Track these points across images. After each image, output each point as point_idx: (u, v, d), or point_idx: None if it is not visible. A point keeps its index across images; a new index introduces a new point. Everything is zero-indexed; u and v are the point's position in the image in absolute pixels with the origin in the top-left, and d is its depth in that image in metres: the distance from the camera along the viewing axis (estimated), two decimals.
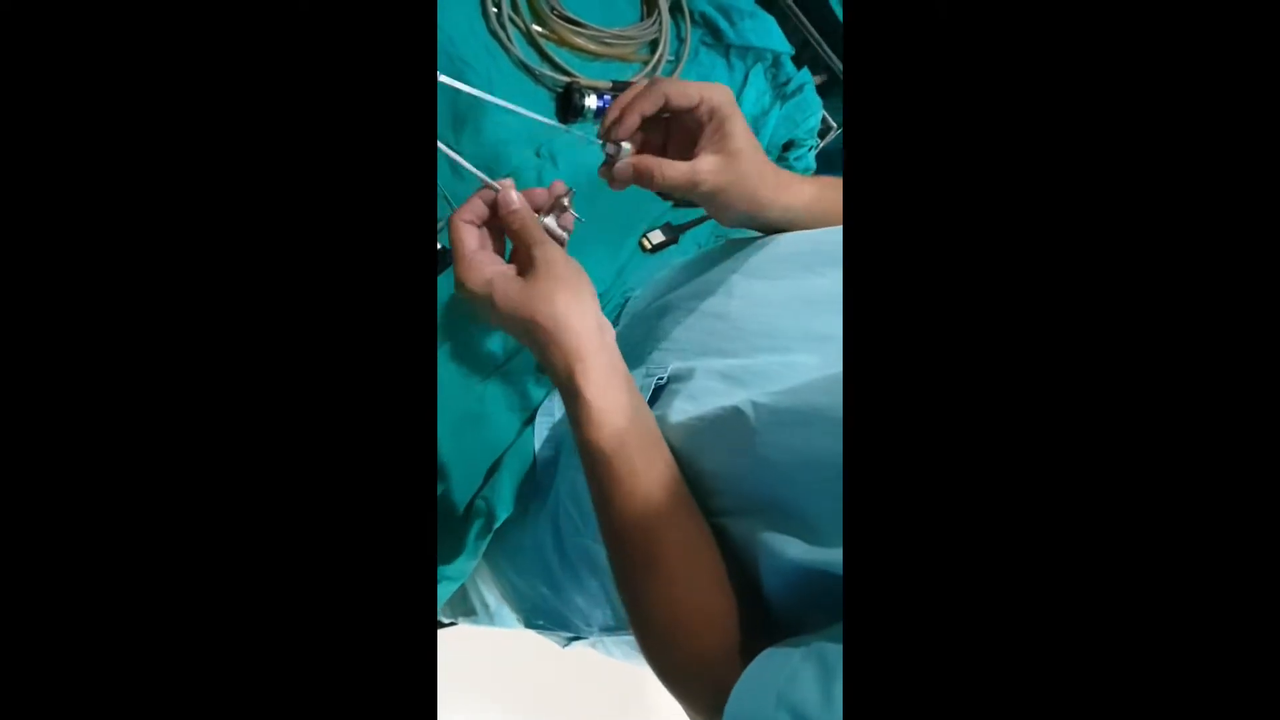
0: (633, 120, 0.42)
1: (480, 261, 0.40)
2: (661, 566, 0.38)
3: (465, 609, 0.86)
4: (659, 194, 0.51)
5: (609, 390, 0.39)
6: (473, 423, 0.61)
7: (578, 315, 0.39)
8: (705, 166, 0.43)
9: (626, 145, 0.42)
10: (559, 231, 0.43)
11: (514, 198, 0.41)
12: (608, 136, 0.44)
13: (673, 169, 0.43)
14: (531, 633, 0.67)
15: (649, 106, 0.42)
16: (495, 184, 0.42)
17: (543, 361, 0.41)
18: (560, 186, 0.44)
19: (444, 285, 0.65)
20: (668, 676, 0.40)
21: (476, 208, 0.42)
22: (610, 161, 0.44)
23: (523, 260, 0.40)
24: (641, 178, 0.43)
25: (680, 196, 0.45)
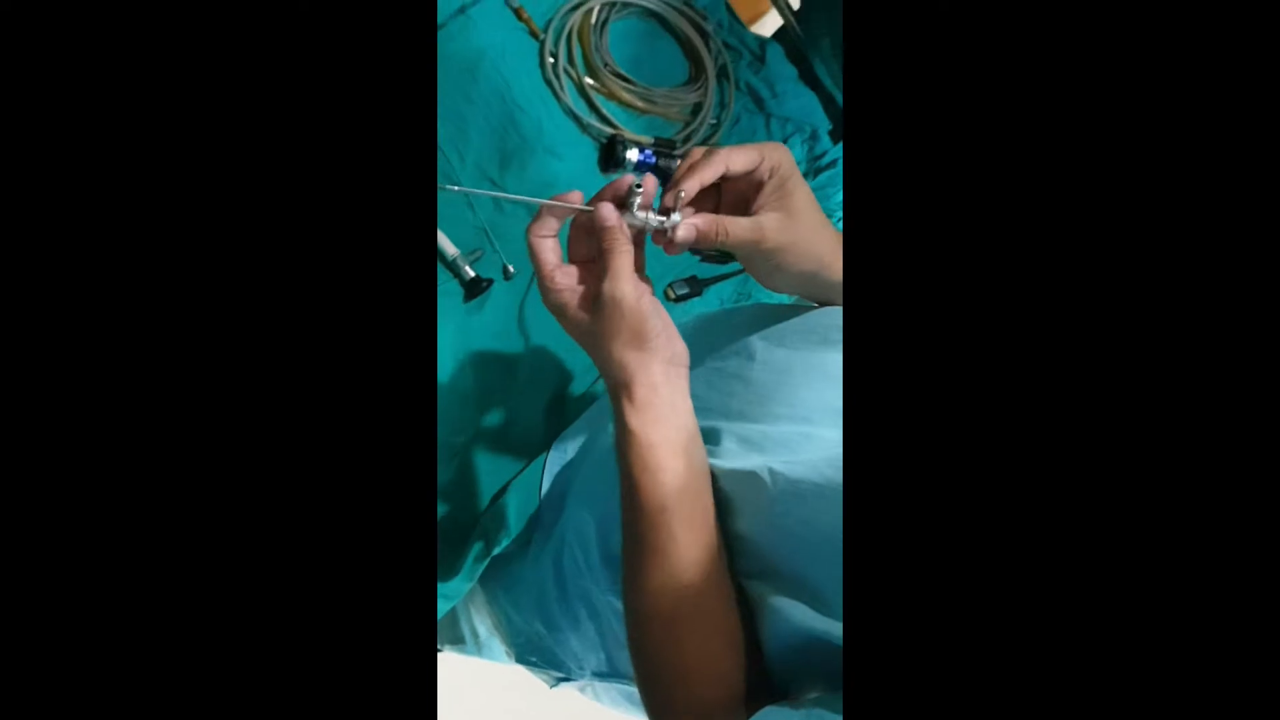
0: (694, 188, 0.41)
1: (556, 283, 0.40)
2: (680, 619, 0.38)
3: (453, 637, 0.85)
4: (693, 251, 0.49)
5: (659, 430, 0.38)
6: (488, 446, 0.63)
7: (635, 360, 0.39)
8: (769, 223, 0.42)
9: (677, 215, 0.40)
10: (652, 222, 0.40)
11: (609, 215, 0.39)
12: (670, 205, 0.41)
13: (737, 225, 0.41)
14: (519, 668, 0.66)
15: (710, 175, 0.41)
16: (587, 207, 0.40)
17: (607, 390, 0.41)
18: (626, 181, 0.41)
19: (450, 304, 0.67)
20: None
21: (550, 224, 0.41)
22: (661, 230, 0.41)
23: (597, 287, 0.39)
24: (705, 238, 0.42)
25: (742, 252, 0.43)
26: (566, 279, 0.41)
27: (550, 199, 0.40)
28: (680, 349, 0.40)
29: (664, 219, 0.40)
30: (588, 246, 0.42)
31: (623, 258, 0.39)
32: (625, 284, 0.38)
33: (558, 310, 0.41)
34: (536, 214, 0.40)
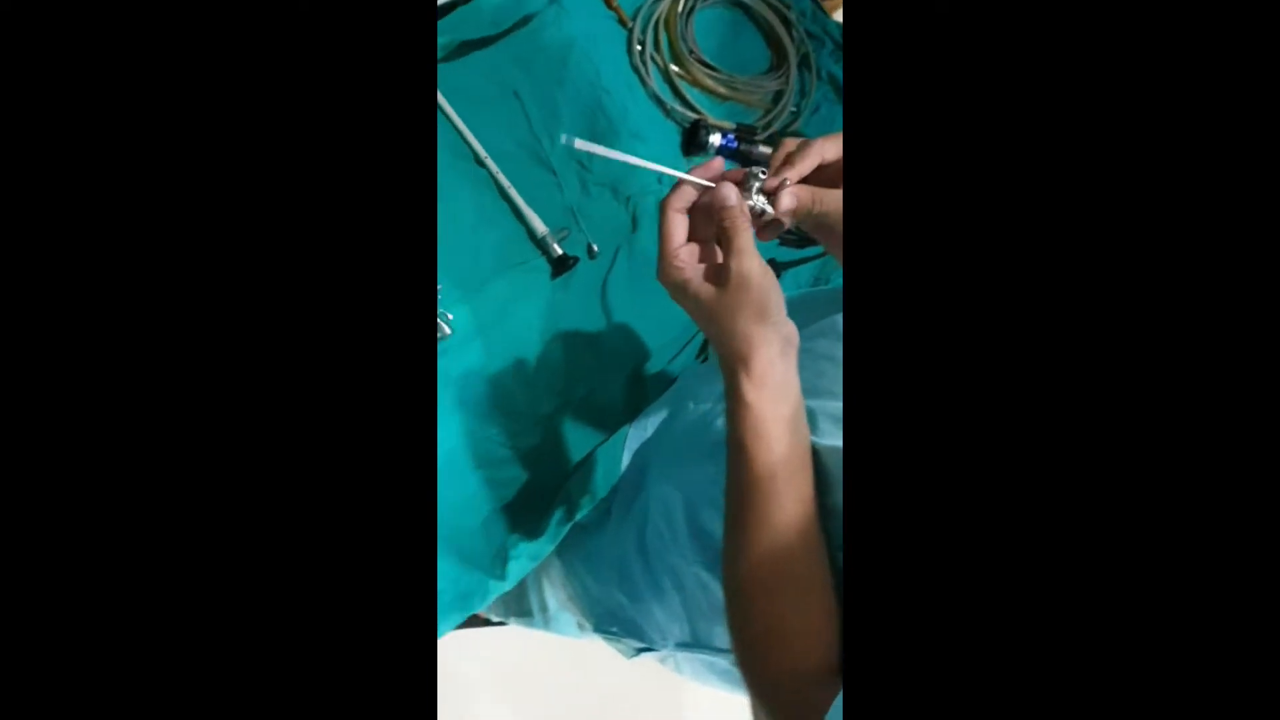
0: (795, 177, 0.42)
1: (681, 261, 0.41)
2: (782, 587, 0.39)
3: (521, 610, 0.87)
4: (777, 237, 0.50)
5: (773, 406, 0.40)
6: (571, 417, 0.64)
7: (759, 334, 0.39)
8: None
9: (765, 204, 0.42)
10: (759, 205, 0.42)
11: (730, 195, 0.40)
12: (772, 188, 0.43)
13: (831, 196, 0.43)
14: (578, 641, 0.67)
15: (808, 166, 0.42)
16: (712, 182, 0.42)
17: (721, 364, 0.42)
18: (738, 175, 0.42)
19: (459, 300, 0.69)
20: (760, 688, 0.40)
21: (687, 194, 0.41)
22: (760, 215, 0.43)
23: (722, 264, 0.40)
24: (803, 206, 0.43)
25: (833, 225, 0.44)
26: (690, 256, 0.42)
27: (690, 171, 0.41)
28: (794, 329, 0.41)
29: (767, 204, 0.42)
30: (705, 227, 0.43)
31: (747, 235, 0.40)
32: (754, 260, 0.39)
33: (678, 287, 0.41)
34: (674, 186, 0.41)
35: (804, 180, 0.44)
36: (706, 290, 0.40)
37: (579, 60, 0.73)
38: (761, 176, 0.41)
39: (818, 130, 0.84)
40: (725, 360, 0.41)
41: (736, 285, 0.39)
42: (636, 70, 0.76)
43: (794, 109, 0.83)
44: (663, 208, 0.42)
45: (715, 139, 0.75)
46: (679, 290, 0.41)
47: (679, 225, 0.41)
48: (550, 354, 0.65)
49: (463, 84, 0.69)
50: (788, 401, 0.40)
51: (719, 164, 0.42)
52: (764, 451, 0.39)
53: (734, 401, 0.40)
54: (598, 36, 0.75)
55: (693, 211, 0.42)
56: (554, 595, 0.77)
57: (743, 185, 0.41)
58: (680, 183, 0.41)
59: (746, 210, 0.41)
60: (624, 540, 0.60)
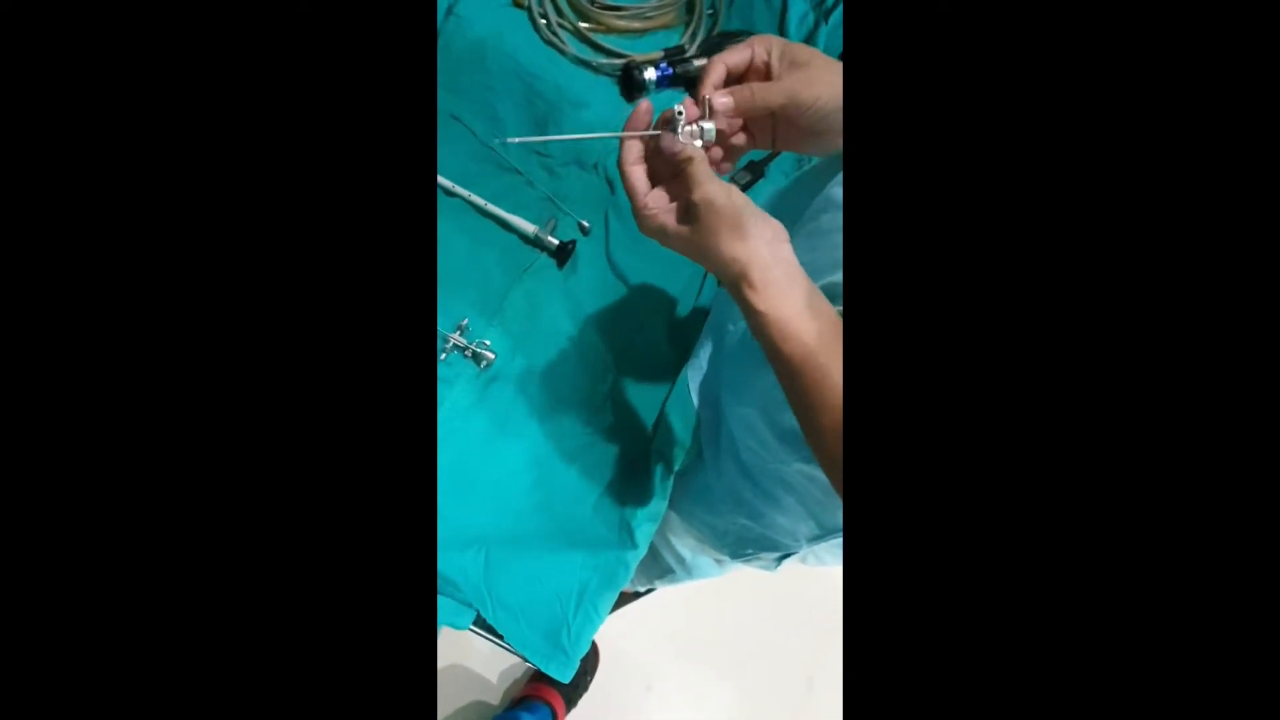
0: (712, 94, 0.44)
1: (651, 208, 0.43)
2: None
3: (660, 571, 0.91)
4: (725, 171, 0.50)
5: (785, 303, 0.42)
6: (630, 388, 0.67)
7: (743, 249, 0.41)
8: (793, 81, 0.44)
9: (709, 125, 0.44)
10: (699, 132, 0.44)
11: (671, 143, 0.43)
12: (700, 114, 0.44)
13: (765, 90, 0.44)
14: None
15: (716, 78, 0.45)
16: (653, 131, 0.44)
17: (725, 287, 0.45)
18: (669, 112, 0.44)
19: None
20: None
21: (635, 146, 0.44)
22: (707, 145, 0.44)
23: (687, 203, 0.42)
24: (741, 103, 0.44)
25: (780, 115, 0.45)
26: (658, 201, 0.44)
27: (624, 129, 0.43)
28: (776, 226, 0.43)
29: (703, 127, 0.44)
30: (664, 165, 0.44)
31: (701, 165, 0.42)
32: (712, 186, 0.41)
33: (658, 232, 0.44)
34: (620, 145, 0.44)
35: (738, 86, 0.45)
36: (683, 228, 0.43)
37: (495, 58, 0.74)
38: (681, 115, 0.43)
39: (743, 17, 0.83)
40: (726, 284, 0.43)
41: (705, 213, 0.41)
42: (550, 43, 0.77)
43: (710, 11, 0.82)
44: (620, 168, 0.44)
45: (650, 74, 0.75)
46: (659, 236, 0.44)
47: (639, 177, 0.44)
48: (587, 336, 0.68)
49: None
50: (797, 292, 0.42)
51: (645, 109, 0.44)
52: (794, 345, 0.41)
53: (749, 315, 0.42)
54: (502, 29, 0.75)
55: (648, 158, 0.45)
56: (684, 545, 0.81)
57: (671, 124, 0.43)
58: (623, 140, 0.44)
59: (688, 145, 0.43)
60: (725, 470, 0.63)
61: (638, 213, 0.44)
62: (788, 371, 0.42)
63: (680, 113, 0.43)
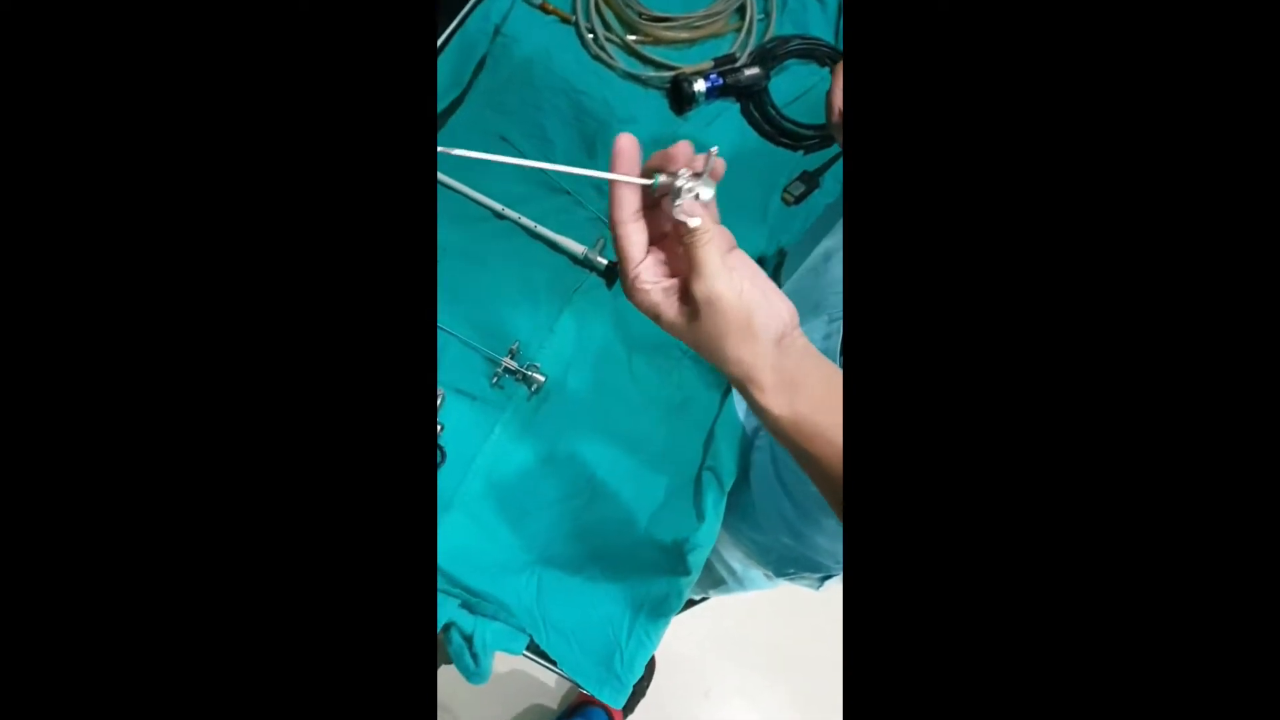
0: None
1: (644, 282, 0.37)
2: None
3: (713, 581, 0.91)
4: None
5: (799, 400, 0.37)
6: (679, 409, 0.67)
7: (748, 350, 0.36)
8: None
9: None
10: (698, 208, 0.35)
11: (679, 211, 0.35)
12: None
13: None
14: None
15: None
16: (644, 180, 0.36)
17: (726, 378, 0.40)
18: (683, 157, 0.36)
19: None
20: None
21: (628, 199, 0.36)
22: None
23: (689, 286, 0.36)
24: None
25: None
26: (653, 274, 0.37)
27: (611, 169, 0.35)
28: (787, 311, 0.38)
29: (700, 190, 0.35)
30: (661, 219, 0.38)
31: (707, 250, 0.35)
32: (719, 282, 0.35)
33: (651, 311, 0.37)
34: (610, 196, 0.36)
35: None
36: (681, 318, 0.37)
37: (543, 76, 0.74)
38: (682, 174, 0.35)
39: (796, 20, 0.81)
40: (731, 382, 0.38)
41: (709, 312, 0.35)
42: (598, 59, 0.76)
43: (761, 16, 0.80)
44: (612, 225, 0.37)
45: (700, 85, 0.74)
46: (653, 316, 0.37)
47: (634, 238, 0.37)
48: (636, 356, 0.68)
49: None
50: (810, 388, 0.37)
51: (629, 145, 0.36)
52: (820, 444, 0.37)
53: (759, 415, 0.39)
54: (550, 46, 0.75)
55: (645, 210, 0.37)
56: (733, 558, 0.81)
57: (675, 194, 0.35)
58: (614, 188, 0.36)
59: (707, 212, 0.35)
60: (767, 488, 0.62)
61: (626, 283, 0.37)
62: (819, 472, 0.38)
63: (679, 186, 0.35)
